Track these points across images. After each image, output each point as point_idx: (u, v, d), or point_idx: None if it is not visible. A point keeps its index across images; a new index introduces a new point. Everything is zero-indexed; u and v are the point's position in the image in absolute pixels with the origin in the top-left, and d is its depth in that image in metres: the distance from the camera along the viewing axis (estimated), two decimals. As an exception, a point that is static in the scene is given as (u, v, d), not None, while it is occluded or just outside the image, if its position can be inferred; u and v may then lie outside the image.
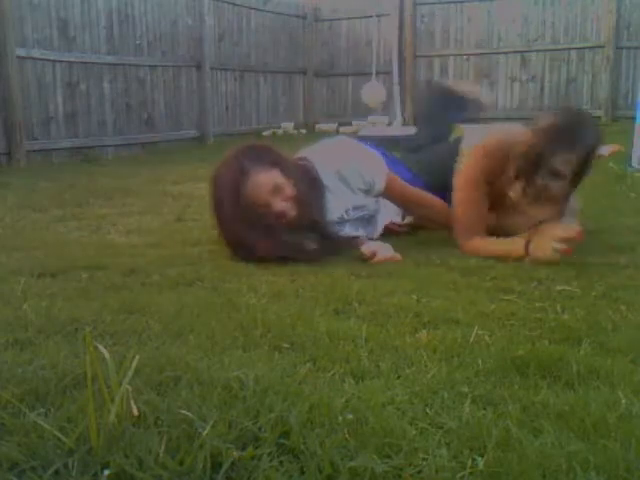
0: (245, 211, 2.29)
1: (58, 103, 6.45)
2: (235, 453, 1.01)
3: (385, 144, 3.22)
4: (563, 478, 0.98)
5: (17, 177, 5.25)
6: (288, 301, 1.87)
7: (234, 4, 9.02)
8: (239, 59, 9.19)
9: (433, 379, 1.32)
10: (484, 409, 1.19)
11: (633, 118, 4.98)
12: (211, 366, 1.35)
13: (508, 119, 9.20)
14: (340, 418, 1.11)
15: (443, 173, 2.57)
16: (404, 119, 9.25)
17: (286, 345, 1.52)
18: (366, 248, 2.37)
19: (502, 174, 2.36)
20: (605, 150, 5.20)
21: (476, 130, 2.79)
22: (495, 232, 2.47)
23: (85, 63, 6.69)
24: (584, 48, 8.96)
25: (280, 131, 9.73)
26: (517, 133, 2.40)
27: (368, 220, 2.70)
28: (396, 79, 8.91)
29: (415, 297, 1.90)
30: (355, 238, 2.52)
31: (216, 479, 0.97)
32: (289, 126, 9.91)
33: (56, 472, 0.98)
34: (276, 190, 2.31)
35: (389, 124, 9.09)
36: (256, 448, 1.03)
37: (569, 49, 9.06)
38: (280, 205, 2.31)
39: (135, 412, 1.09)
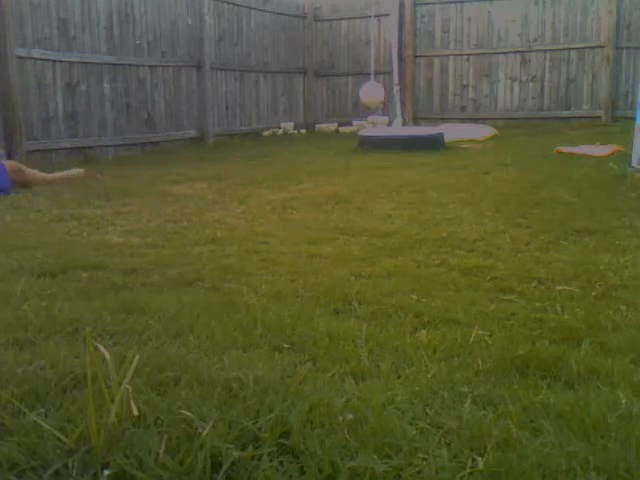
0: None
1: (58, 103, 6.44)
2: (235, 453, 1.01)
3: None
4: (563, 478, 0.98)
5: (17, 177, 5.25)
6: (288, 301, 1.87)
7: (234, 4, 9.01)
8: (239, 59, 9.19)
9: (433, 379, 1.32)
10: (484, 409, 1.19)
11: (633, 118, 4.97)
12: (211, 366, 1.35)
13: (508, 119, 9.22)
14: (340, 418, 1.11)
15: None
16: (404, 119, 9.24)
17: (286, 345, 1.52)
18: None
19: None
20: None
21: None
22: None
23: (85, 63, 6.68)
24: (584, 48, 8.95)
25: (280, 131, 9.73)
26: None
27: None
28: (396, 79, 8.90)
29: (415, 297, 1.90)
30: None
31: (216, 479, 0.97)
32: (289, 126, 9.91)
33: (56, 472, 0.98)
34: None
35: (389, 124, 9.08)
36: (256, 448, 1.03)
37: (569, 49, 9.06)
38: None
39: (135, 412, 1.09)
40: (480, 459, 1.01)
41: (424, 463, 1.00)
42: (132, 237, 2.91)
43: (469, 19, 9.59)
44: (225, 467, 0.98)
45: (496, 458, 1.01)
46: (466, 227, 2.94)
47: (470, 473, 0.98)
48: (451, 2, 9.63)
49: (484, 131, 7.99)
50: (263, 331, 1.60)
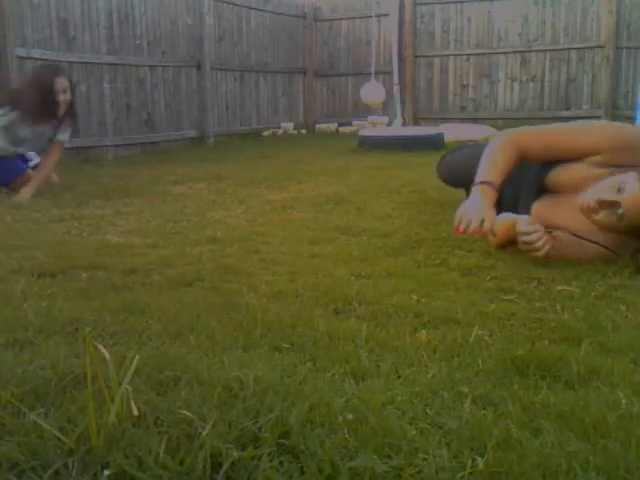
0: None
1: (58, 103, 6.44)
2: (235, 453, 1.01)
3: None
4: (563, 478, 0.98)
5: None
6: (288, 301, 1.87)
7: (234, 4, 9.00)
8: (239, 59, 9.18)
9: (433, 379, 1.32)
10: (484, 409, 1.19)
11: (633, 118, 4.98)
12: (211, 366, 1.35)
13: (508, 119, 9.22)
14: (340, 418, 1.11)
15: None
16: (404, 119, 9.24)
17: (286, 345, 1.52)
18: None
19: None
20: None
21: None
22: None
23: (85, 63, 6.68)
24: (584, 48, 8.95)
25: (280, 131, 9.73)
26: None
27: None
28: (396, 79, 8.91)
29: (415, 297, 1.90)
30: None
31: (216, 479, 0.97)
32: (289, 126, 9.91)
33: (56, 472, 0.98)
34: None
35: (389, 124, 9.08)
36: (256, 448, 1.03)
37: (569, 49, 9.06)
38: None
39: (135, 412, 1.09)
40: (480, 459, 1.01)
41: (424, 463, 1.00)
42: (132, 237, 2.91)
43: (469, 19, 9.60)
44: (225, 467, 0.98)
45: (496, 458, 1.01)
46: (466, 227, 2.93)
47: (470, 473, 0.98)
48: (451, 2, 9.64)
49: (484, 131, 7.99)
50: (263, 331, 1.60)
